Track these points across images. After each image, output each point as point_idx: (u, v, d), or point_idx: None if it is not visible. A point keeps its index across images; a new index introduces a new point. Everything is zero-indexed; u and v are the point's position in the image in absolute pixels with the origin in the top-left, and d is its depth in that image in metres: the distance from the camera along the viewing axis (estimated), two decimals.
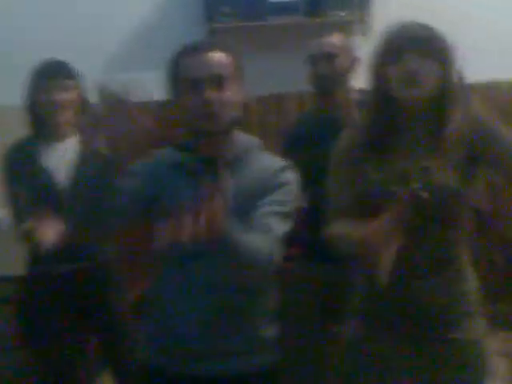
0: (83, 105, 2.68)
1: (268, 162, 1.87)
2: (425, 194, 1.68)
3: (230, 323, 1.80)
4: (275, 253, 1.72)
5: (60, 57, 2.69)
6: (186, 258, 1.76)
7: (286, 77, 3.67)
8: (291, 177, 1.86)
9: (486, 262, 4.03)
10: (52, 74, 2.65)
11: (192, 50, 1.80)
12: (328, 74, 2.77)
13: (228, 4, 3.82)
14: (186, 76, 1.78)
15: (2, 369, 3.18)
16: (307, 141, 2.76)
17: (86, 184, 2.57)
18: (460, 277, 1.85)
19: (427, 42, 1.82)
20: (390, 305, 1.84)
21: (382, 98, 1.87)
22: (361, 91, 2.75)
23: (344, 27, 3.80)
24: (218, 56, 1.78)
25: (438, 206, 1.76)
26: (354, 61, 2.86)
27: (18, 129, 2.74)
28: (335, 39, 2.83)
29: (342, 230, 1.81)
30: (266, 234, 1.71)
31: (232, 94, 1.78)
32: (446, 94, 1.82)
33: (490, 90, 3.95)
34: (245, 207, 1.76)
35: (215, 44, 1.83)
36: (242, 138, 1.88)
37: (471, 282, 1.87)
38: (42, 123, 2.68)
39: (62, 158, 2.66)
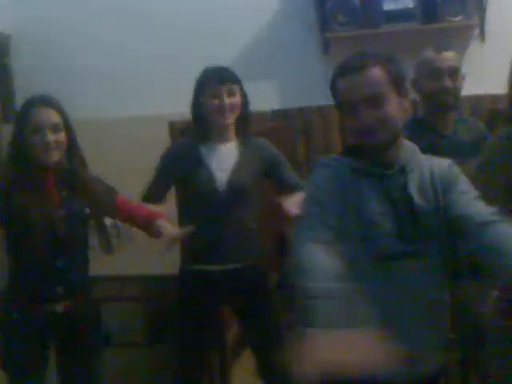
0: (244, 109, 2.79)
1: (435, 162, 1.88)
2: None
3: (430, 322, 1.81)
4: None
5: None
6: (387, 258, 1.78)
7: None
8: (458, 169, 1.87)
9: None
10: (221, 80, 2.73)
11: (343, 72, 1.79)
12: (453, 89, 2.73)
13: (343, 13, 3.85)
14: (341, 99, 1.79)
15: (136, 365, 3.34)
16: None
17: (243, 188, 2.70)
18: None
19: None
20: None
21: None
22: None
23: (461, 32, 3.76)
24: (370, 74, 1.76)
25: None
26: (464, 77, 2.82)
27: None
28: (453, 54, 2.78)
29: None
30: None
31: (389, 108, 1.75)
32: None
33: None
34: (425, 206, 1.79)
35: (367, 59, 1.78)
36: (405, 143, 1.90)
37: None
38: (207, 126, 2.78)
39: (223, 160, 2.77)
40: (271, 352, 2.75)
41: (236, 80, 2.76)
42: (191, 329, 2.83)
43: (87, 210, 2.49)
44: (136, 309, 3.10)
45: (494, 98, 3.58)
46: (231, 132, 2.80)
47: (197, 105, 2.78)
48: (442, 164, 1.87)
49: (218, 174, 2.73)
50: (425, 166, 1.85)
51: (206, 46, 3.88)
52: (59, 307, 2.46)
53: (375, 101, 1.74)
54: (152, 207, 2.76)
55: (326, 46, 3.93)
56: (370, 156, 1.81)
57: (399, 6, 3.80)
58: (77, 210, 2.48)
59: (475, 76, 3.58)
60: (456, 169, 1.87)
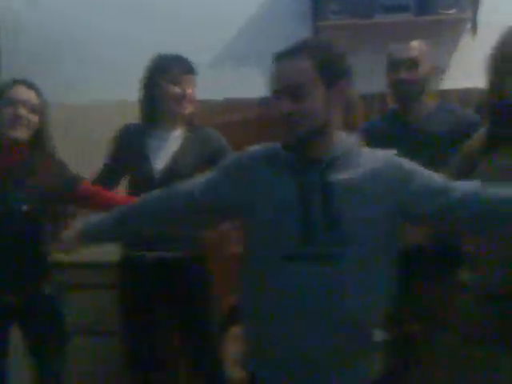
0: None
1: (377, 157, 1.77)
2: None
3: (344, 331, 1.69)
4: None
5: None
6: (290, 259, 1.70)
7: None
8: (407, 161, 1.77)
9: None
10: (187, 69, 2.77)
11: (274, 59, 1.74)
12: (409, 80, 2.74)
13: (336, 1, 3.81)
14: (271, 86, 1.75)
15: (107, 352, 3.34)
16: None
17: (179, 176, 2.65)
18: None
19: None
20: None
21: (497, 105, 2.02)
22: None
23: (453, 25, 3.73)
24: (293, 64, 1.69)
25: None
26: (433, 69, 2.82)
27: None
28: (418, 45, 2.80)
29: None
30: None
31: (311, 100, 1.68)
32: None
33: None
34: (359, 205, 1.68)
35: (296, 48, 1.72)
36: (344, 138, 1.79)
37: None
38: (156, 112, 2.81)
39: (168, 146, 2.78)
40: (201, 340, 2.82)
41: (196, 72, 2.80)
42: (128, 315, 2.86)
43: (25, 207, 2.46)
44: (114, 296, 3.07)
45: (482, 92, 3.57)
46: (181, 121, 2.80)
47: (152, 88, 2.76)
48: (386, 159, 1.75)
49: (157, 162, 2.72)
50: (367, 162, 1.73)
51: (194, 33, 3.83)
52: (8, 300, 2.50)
53: (296, 92, 1.66)
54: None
55: (317, 34, 3.88)
56: (295, 149, 1.72)
57: None
58: (15, 206, 2.45)
59: (466, 69, 3.58)
60: (400, 160, 1.76)
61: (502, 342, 1.96)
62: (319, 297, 1.66)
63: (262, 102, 3.93)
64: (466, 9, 3.66)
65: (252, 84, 3.83)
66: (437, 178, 1.74)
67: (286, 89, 1.69)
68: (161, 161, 2.74)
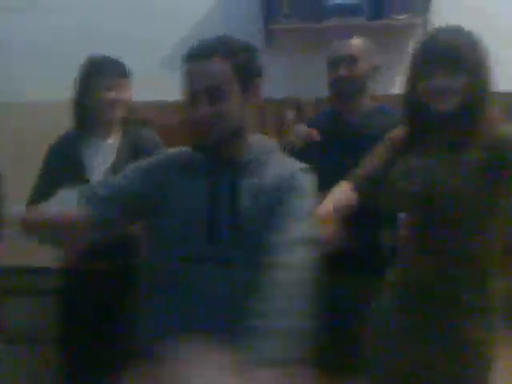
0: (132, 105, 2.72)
1: (283, 165, 1.76)
2: None
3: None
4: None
5: (116, 54, 2.74)
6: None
7: None
8: (305, 180, 1.73)
9: None
10: (122, 72, 2.69)
11: (187, 58, 1.69)
12: (348, 77, 2.71)
13: (287, 4, 3.77)
14: (183, 87, 1.70)
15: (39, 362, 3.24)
16: (317, 144, 2.68)
17: None
18: None
19: (457, 56, 1.88)
20: None
21: (414, 108, 2.04)
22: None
23: (405, 30, 3.72)
24: (211, 64, 1.65)
25: None
26: (374, 67, 2.80)
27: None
28: (357, 42, 2.78)
29: None
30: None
31: (229, 103, 1.65)
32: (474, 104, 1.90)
33: None
34: (261, 209, 1.66)
35: (212, 48, 1.67)
36: (259, 142, 1.79)
37: None
38: (90, 119, 2.70)
39: (103, 155, 2.68)
40: None
41: (129, 74, 2.72)
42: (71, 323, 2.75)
43: None
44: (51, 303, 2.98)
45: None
46: (116, 126, 2.71)
47: (85, 93, 2.66)
48: (287, 171, 1.72)
49: (94, 175, 2.61)
50: (277, 168, 1.71)
51: (142, 33, 3.81)
52: None
53: (214, 94, 1.63)
54: None
55: (269, 37, 3.84)
56: (208, 151, 1.70)
57: (346, 1, 3.73)
58: None
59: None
60: (301, 177, 1.71)
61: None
62: (217, 299, 1.63)
63: None
64: (418, 14, 3.65)
65: None
66: (297, 215, 1.65)
67: (201, 90, 1.64)
68: (98, 173, 2.65)
